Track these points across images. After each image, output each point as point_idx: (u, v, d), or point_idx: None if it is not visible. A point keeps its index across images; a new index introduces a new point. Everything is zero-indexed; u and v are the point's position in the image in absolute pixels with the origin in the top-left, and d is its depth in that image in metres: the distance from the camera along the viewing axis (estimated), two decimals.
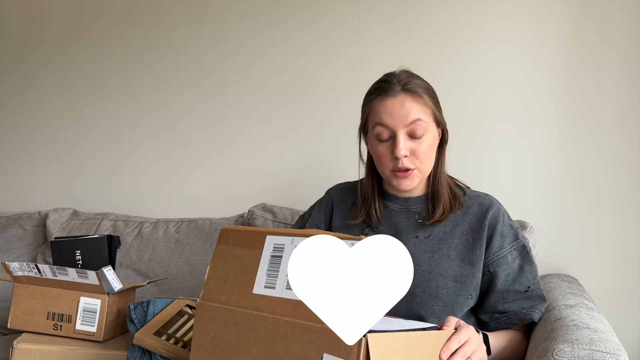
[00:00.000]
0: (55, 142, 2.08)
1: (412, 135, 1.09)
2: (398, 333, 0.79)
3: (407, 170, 1.10)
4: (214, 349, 0.85)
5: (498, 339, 1.09)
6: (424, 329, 0.87)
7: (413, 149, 1.09)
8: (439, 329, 0.90)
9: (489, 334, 1.06)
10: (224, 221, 1.71)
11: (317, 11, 1.78)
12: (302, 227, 1.30)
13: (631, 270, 1.54)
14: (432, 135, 1.11)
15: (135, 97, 1.99)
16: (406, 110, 1.08)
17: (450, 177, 1.22)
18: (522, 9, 1.60)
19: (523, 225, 1.45)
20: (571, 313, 1.09)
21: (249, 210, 1.70)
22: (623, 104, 1.54)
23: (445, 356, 0.84)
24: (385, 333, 0.76)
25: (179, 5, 1.92)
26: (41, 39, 2.09)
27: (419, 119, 1.08)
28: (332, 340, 0.74)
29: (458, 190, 1.19)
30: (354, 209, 1.23)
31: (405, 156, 1.09)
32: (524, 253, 1.14)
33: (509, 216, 1.17)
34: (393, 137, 1.09)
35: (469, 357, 0.86)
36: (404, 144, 1.08)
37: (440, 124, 1.14)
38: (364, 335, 0.73)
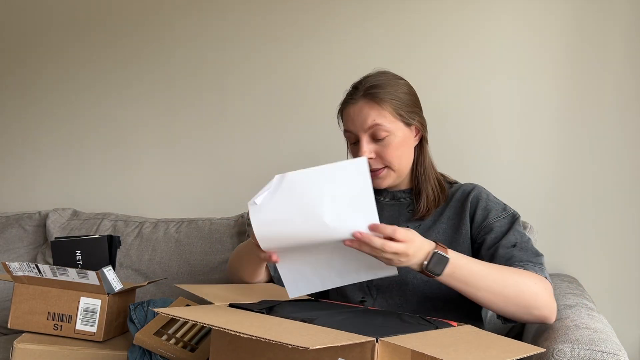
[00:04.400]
0: (56, 142, 2.08)
1: (375, 138, 1.15)
2: (407, 335, 0.80)
3: (377, 170, 1.16)
4: (231, 352, 0.86)
5: (470, 264, 1.00)
6: (428, 322, 0.89)
7: (377, 150, 1.15)
8: (448, 324, 0.90)
9: (457, 257, 0.99)
10: (224, 221, 1.71)
11: (314, 9, 1.78)
12: None
13: (631, 270, 1.54)
14: (399, 136, 1.16)
15: (135, 97, 1.99)
16: (364, 116, 1.14)
17: (442, 174, 1.26)
18: (522, 9, 1.60)
19: (523, 225, 1.45)
20: (571, 313, 1.09)
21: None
22: (623, 103, 1.55)
23: (358, 235, 0.92)
24: (395, 337, 0.77)
25: (179, 6, 1.92)
26: (41, 39, 2.09)
27: (377, 124, 1.14)
28: (346, 346, 0.73)
29: (446, 185, 1.24)
30: None
31: (371, 158, 1.15)
32: (514, 222, 1.14)
33: (494, 196, 1.20)
34: (358, 142, 1.17)
35: (383, 253, 0.92)
36: (366, 147, 1.15)
37: (411, 123, 1.18)
38: (377, 341, 0.73)
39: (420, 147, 1.22)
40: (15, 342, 1.16)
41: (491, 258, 1.09)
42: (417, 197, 1.21)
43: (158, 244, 1.72)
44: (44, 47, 2.09)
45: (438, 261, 0.96)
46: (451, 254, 0.98)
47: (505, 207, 1.17)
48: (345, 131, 1.20)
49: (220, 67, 1.89)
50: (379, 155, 1.16)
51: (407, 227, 1.17)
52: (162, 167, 1.96)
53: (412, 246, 0.94)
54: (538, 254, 1.09)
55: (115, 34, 2.00)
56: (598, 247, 1.56)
